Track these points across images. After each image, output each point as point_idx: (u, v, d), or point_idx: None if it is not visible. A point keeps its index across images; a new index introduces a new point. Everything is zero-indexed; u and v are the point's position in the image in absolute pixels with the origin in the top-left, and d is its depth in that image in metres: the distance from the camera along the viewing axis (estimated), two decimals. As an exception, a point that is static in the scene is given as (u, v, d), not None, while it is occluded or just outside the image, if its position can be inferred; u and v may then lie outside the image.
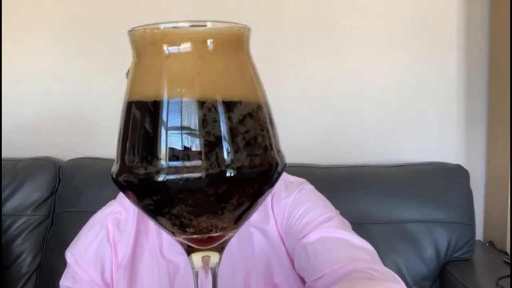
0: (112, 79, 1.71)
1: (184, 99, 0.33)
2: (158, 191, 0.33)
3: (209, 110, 0.32)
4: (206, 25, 0.34)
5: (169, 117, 0.33)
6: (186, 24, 0.33)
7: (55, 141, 1.80)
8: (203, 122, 0.32)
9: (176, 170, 0.32)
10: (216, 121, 0.32)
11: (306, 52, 1.70)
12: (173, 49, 0.33)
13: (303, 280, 0.83)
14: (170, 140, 0.32)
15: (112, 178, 0.35)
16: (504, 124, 1.56)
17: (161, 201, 0.33)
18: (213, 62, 0.34)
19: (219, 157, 0.32)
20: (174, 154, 0.32)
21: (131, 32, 0.34)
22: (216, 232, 0.35)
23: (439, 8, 1.70)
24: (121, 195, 0.93)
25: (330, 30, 1.71)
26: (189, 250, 0.36)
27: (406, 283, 1.45)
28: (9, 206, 1.58)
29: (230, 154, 0.32)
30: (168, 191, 0.32)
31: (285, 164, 0.36)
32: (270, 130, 0.36)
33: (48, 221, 1.60)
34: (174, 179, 0.32)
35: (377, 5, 1.71)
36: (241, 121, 0.33)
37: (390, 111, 1.73)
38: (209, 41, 0.33)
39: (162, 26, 0.33)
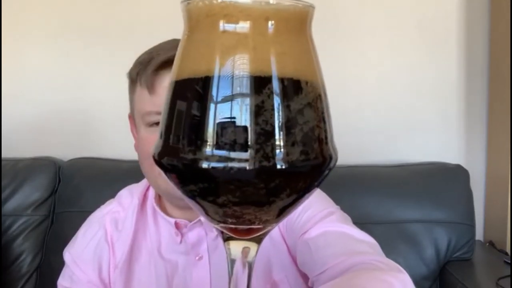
0: (112, 79, 1.71)
1: (238, 74, 0.29)
2: (203, 179, 0.31)
3: (267, 96, 0.29)
4: (268, 1, 0.31)
5: (220, 97, 0.29)
6: None
7: (55, 141, 1.80)
8: (259, 108, 0.29)
9: (224, 159, 0.29)
10: (274, 109, 0.29)
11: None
12: (230, 26, 0.30)
13: (303, 278, 0.83)
14: (220, 125, 0.29)
15: (154, 159, 0.33)
16: (504, 124, 1.56)
17: (207, 189, 0.31)
18: (273, 42, 0.31)
19: (273, 149, 0.29)
20: (222, 141, 0.29)
21: (185, 2, 0.32)
22: (257, 224, 0.33)
23: (439, 8, 1.70)
24: (119, 195, 0.93)
25: (330, 30, 1.71)
26: (226, 237, 0.35)
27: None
28: (9, 206, 1.58)
29: (284, 147, 0.30)
30: (214, 180, 0.30)
31: (337, 159, 0.34)
32: (327, 122, 0.33)
33: (48, 221, 1.60)
34: (221, 168, 0.29)
35: (377, 6, 1.71)
36: (300, 111, 0.31)
37: (390, 111, 1.73)
38: (270, 22, 0.31)
39: None
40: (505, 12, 1.55)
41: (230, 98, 0.29)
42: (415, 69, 1.72)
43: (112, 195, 0.94)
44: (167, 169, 0.32)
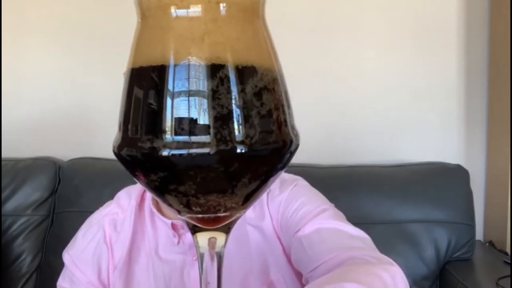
0: (112, 79, 1.71)
1: (193, 61, 0.30)
2: (164, 167, 0.30)
3: (221, 80, 0.30)
4: None
5: (176, 84, 0.29)
6: None
7: (55, 141, 1.80)
8: (215, 93, 0.29)
9: (183, 145, 0.29)
10: (229, 92, 0.30)
11: (306, 52, 1.70)
12: (182, 11, 0.30)
13: (299, 277, 0.83)
14: (177, 111, 0.29)
15: (114, 152, 0.32)
16: (504, 124, 1.56)
17: (168, 178, 0.31)
18: (226, 27, 0.31)
19: (231, 132, 0.29)
20: (181, 128, 0.29)
21: None
22: (223, 212, 0.33)
23: (439, 8, 1.70)
24: (118, 196, 0.93)
25: (330, 30, 1.71)
26: (195, 230, 0.34)
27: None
28: (9, 206, 1.58)
29: (242, 130, 0.30)
30: (175, 167, 0.30)
31: (298, 144, 0.34)
32: (285, 105, 0.33)
33: (48, 221, 1.60)
34: (181, 155, 0.29)
35: (378, 6, 1.71)
36: (257, 94, 0.31)
37: (390, 111, 1.73)
38: (222, 5, 0.31)
39: None
40: (505, 12, 1.55)
41: (186, 85, 0.29)
42: (415, 69, 1.72)
43: (112, 195, 0.94)
44: (127, 161, 0.32)
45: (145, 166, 0.31)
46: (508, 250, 1.54)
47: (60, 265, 0.88)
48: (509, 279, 1.28)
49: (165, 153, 0.29)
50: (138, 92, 0.31)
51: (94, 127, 1.80)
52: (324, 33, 1.71)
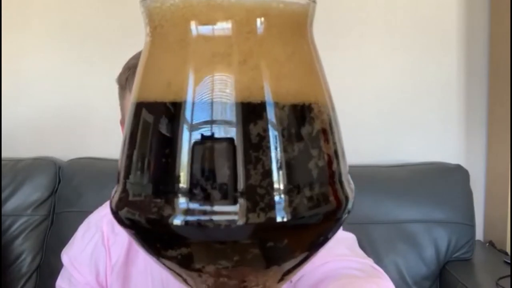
0: (112, 79, 1.71)
1: (220, 97, 0.22)
2: (176, 240, 0.22)
3: (263, 126, 0.21)
4: None
5: (198, 130, 0.21)
6: None
7: (55, 141, 1.80)
8: (253, 144, 0.21)
9: (205, 212, 0.21)
10: (271, 143, 0.22)
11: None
12: (206, 28, 0.22)
13: None
14: (197, 167, 0.21)
15: (111, 210, 0.25)
16: (504, 124, 1.56)
17: (185, 255, 0.23)
18: (266, 50, 0.23)
19: (272, 196, 0.22)
20: (203, 189, 0.21)
21: (145, 1, 0.25)
22: None
23: (439, 8, 1.70)
24: None
25: (330, 29, 1.71)
26: None
27: (406, 283, 1.45)
28: (9, 206, 1.58)
29: (288, 192, 0.22)
30: (194, 241, 0.22)
31: (354, 198, 0.26)
32: (340, 153, 0.26)
33: (48, 221, 1.60)
34: (202, 225, 0.21)
35: (377, 5, 1.71)
36: (308, 142, 0.23)
37: (390, 111, 1.73)
38: (259, 20, 0.22)
39: None
40: (505, 12, 1.55)
41: (211, 131, 0.22)
42: (415, 69, 1.72)
43: (112, 195, 0.94)
44: (128, 226, 0.24)
45: (153, 236, 0.23)
46: (508, 250, 1.54)
47: (60, 265, 0.88)
48: (509, 279, 1.28)
49: (177, 221, 0.22)
50: (144, 136, 0.23)
51: (94, 127, 1.80)
52: (324, 33, 1.71)
